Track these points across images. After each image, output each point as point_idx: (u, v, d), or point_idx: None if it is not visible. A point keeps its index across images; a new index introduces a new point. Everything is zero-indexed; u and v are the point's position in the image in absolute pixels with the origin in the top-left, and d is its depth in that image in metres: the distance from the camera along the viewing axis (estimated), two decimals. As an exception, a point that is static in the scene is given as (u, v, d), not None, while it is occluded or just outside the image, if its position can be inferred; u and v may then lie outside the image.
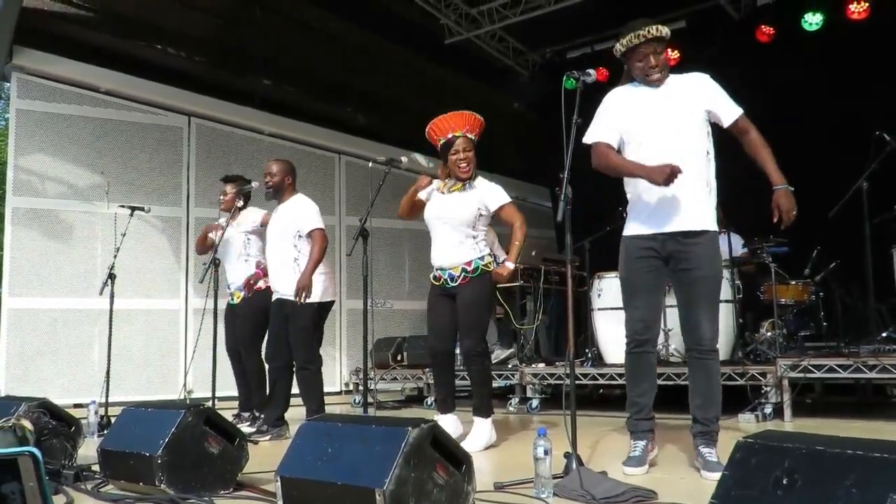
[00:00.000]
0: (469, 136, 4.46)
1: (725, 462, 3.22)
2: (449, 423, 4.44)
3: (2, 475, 2.06)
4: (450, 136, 4.44)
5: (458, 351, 4.66)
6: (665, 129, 3.46)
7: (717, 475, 3.22)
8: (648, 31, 3.45)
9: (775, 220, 3.36)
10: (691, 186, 3.41)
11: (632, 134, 3.53)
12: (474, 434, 4.38)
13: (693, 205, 3.43)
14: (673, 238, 3.45)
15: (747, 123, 3.53)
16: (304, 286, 4.84)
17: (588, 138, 3.58)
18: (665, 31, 3.50)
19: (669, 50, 3.54)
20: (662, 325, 6.06)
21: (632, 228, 3.58)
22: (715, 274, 3.49)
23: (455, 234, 4.42)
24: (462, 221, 4.41)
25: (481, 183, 4.52)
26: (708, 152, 3.53)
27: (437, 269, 4.50)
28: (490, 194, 4.47)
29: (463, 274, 4.39)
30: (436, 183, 4.60)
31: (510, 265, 4.37)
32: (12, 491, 2.06)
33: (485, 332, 4.48)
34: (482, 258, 4.41)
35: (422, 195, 4.57)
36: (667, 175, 3.26)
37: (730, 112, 3.52)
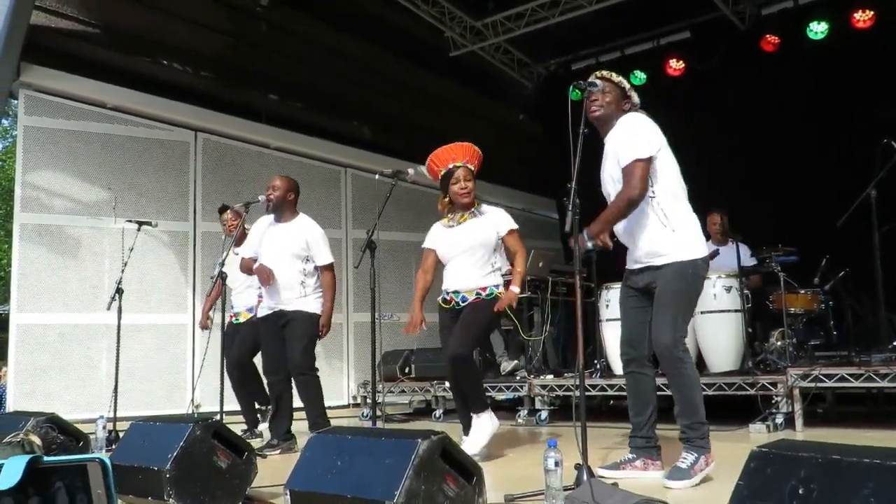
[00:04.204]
0: (469, 166, 4.56)
1: (696, 470, 3.30)
2: None
3: (71, 482, 2.08)
4: (450, 166, 4.55)
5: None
6: (609, 187, 3.68)
7: (674, 483, 3.28)
8: (597, 73, 3.73)
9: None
10: (642, 230, 3.57)
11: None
12: (475, 430, 4.42)
13: (647, 247, 3.57)
14: (642, 271, 3.64)
15: (626, 174, 3.52)
16: (327, 325, 5.10)
17: None
18: (608, 76, 3.71)
19: (614, 93, 3.68)
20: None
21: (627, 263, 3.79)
22: (675, 287, 3.50)
23: (475, 260, 4.48)
24: (484, 244, 4.49)
25: (489, 209, 4.64)
26: (651, 196, 3.54)
27: (449, 293, 4.53)
28: (502, 219, 4.59)
29: (476, 296, 4.45)
30: (438, 224, 4.68)
31: (516, 289, 4.48)
32: (81, 498, 2.07)
33: (474, 345, 4.52)
34: (497, 286, 4.50)
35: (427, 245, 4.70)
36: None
37: (621, 161, 3.55)
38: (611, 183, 3.67)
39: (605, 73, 3.72)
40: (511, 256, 4.58)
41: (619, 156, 3.54)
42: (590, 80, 3.66)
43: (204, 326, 6.31)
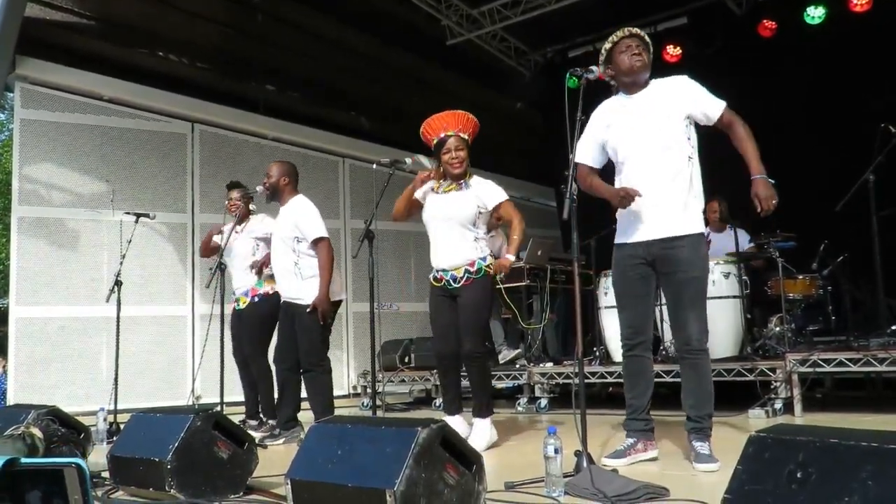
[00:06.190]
0: (461, 135, 4.44)
1: (716, 455, 3.35)
2: (456, 424, 4.42)
3: (47, 486, 2.06)
4: (442, 135, 4.43)
5: None
6: (643, 145, 3.54)
7: (707, 466, 3.32)
8: (630, 30, 3.62)
9: (758, 210, 3.44)
10: (671, 194, 3.51)
11: (616, 153, 3.66)
12: (475, 435, 4.37)
13: (673, 212, 3.51)
14: (656, 244, 3.54)
15: (731, 116, 3.56)
16: (320, 304, 4.82)
17: (576, 157, 3.64)
18: (645, 35, 3.64)
19: (647, 54, 3.62)
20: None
21: (620, 237, 3.71)
22: (698, 275, 3.54)
23: (455, 234, 4.39)
24: (462, 220, 4.38)
25: (477, 181, 4.50)
26: (690, 157, 3.56)
27: (438, 271, 4.46)
28: (487, 192, 4.46)
29: (466, 275, 4.36)
30: (430, 183, 4.57)
31: (510, 257, 4.41)
32: (57, 503, 2.05)
33: (485, 333, 4.46)
34: (484, 259, 4.38)
35: (418, 194, 4.55)
36: (620, 198, 3.46)
37: (713, 109, 3.55)
38: (641, 136, 3.52)
39: (638, 31, 3.62)
40: (507, 225, 4.44)
41: (709, 101, 3.54)
42: (622, 34, 3.58)
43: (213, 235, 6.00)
